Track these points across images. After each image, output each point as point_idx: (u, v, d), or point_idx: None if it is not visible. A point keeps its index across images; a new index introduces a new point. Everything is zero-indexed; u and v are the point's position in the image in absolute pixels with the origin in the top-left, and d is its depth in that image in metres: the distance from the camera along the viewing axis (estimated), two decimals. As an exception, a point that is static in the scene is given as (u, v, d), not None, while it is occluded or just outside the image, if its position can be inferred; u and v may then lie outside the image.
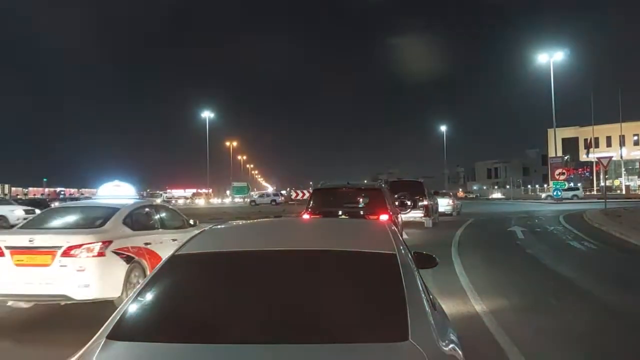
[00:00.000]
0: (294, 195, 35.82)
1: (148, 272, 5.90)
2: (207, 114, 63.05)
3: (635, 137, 63.33)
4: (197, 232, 2.90)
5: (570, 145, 66.19)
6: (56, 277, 5.63)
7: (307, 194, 35.72)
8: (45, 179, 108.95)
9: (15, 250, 5.80)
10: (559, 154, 60.17)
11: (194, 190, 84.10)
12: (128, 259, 6.12)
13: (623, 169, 59.89)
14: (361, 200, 9.40)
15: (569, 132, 65.48)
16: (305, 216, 8.98)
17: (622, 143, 54.93)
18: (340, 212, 8.79)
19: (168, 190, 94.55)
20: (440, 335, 1.86)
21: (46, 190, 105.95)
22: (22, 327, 5.68)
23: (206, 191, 75.94)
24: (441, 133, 72.02)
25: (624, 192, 55.34)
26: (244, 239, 2.84)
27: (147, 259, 6.42)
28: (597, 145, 58.77)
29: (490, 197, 68.30)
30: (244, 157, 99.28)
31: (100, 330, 1.85)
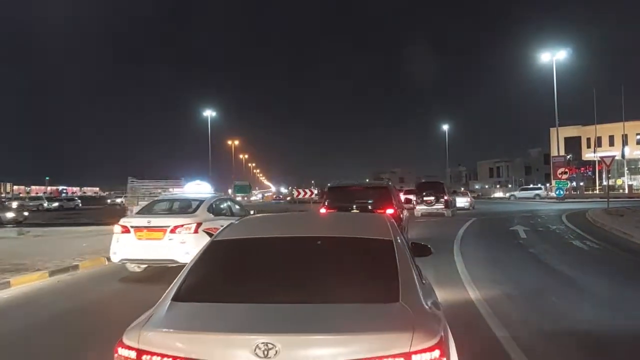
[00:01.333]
0: (295, 194, 35.57)
1: None
2: (209, 113, 62.87)
3: (638, 136, 63.05)
4: (233, 222, 3.67)
5: (572, 144, 65.91)
6: (166, 247, 8.08)
7: (309, 193, 35.53)
8: (47, 177, 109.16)
9: (137, 228, 8.31)
10: (562, 153, 59.94)
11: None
12: (211, 236, 8.43)
13: (626, 168, 59.66)
14: (370, 196, 10.39)
15: (571, 131, 65.20)
16: (322, 210, 10.19)
17: (625, 142, 54.62)
18: (352, 207, 9.77)
19: (170, 189, 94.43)
20: (425, 300, 2.45)
21: (48, 188, 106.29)
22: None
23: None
24: (443, 132, 71.96)
25: (626, 191, 55.15)
26: (266, 228, 3.54)
27: None
28: (599, 144, 58.51)
29: (492, 196, 68.24)
30: (246, 156, 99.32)
31: (165, 294, 2.53)
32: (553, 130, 72.59)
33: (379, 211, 8.84)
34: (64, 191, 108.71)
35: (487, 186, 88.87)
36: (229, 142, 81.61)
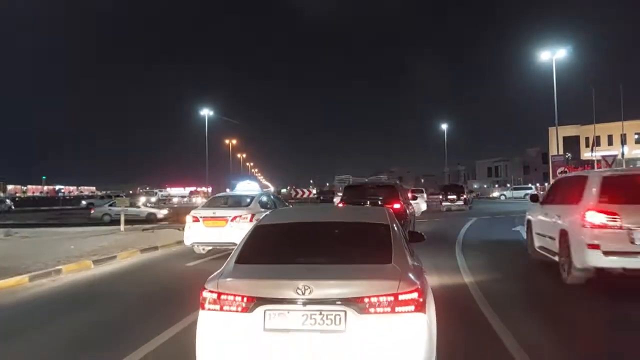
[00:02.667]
0: (293, 194, 35.27)
1: None
2: (206, 112, 62.43)
3: (637, 136, 62.96)
4: (268, 212, 5.56)
5: (571, 143, 65.78)
6: (228, 233, 10.25)
7: (307, 193, 35.33)
8: (44, 177, 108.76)
9: (205, 218, 10.74)
10: (560, 152, 59.55)
11: (193, 189, 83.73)
12: None
13: (624, 168, 59.40)
14: (380, 194, 12.24)
15: (570, 131, 65.09)
16: (340, 205, 12.16)
17: (623, 141, 54.37)
18: (365, 203, 11.56)
19: (168, 188, 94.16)
20: (410, 263, 3.54)
21: (45, 188, 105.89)
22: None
23: (204, 189, 75.60)
24: (442, 131, 71.53)
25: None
26: (295, 216, 4.73)
27: None
28: (598, 144, 58.28)
29: (491, 195, 68.01)
30: (244, 156, 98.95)
31: (228, 260, 3.63)
32: (552, 130, 72.36)
33: (387, 206, 9.28)
34: (61, 191, 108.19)
35: (485, 185, 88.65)
36: (227, 142, 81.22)
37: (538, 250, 9.01)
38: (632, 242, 6.52)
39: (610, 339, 5.01)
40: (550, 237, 8.23)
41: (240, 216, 10.61)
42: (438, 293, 4.09)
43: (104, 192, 78.68)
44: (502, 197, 53.53)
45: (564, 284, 7.24)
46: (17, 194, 76.66)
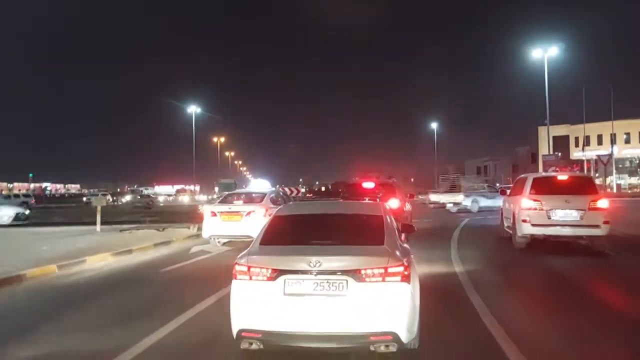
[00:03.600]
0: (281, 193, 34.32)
1: None
2: (193, 109, 61.28)
3: (626, 136, 63.02)
4: (282, 205, 7.18)
5: (560, 143, 65.74)
6: (243, 226, 11.25)
7: (296, 192, 34.44)
8: (31, 175, 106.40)
9: (222, 213, 11.73)
10: (550, 151, 59.52)
11: (179, 187, 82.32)
12: None
13: (614, 167, 59.55)
14: (379, 191, 12.43)
15: (559, 130, 65.00)
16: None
17: (613, 141, 54.39)
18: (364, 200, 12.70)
19: (156, 187, 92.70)
20: (399, 245, 4.49)
21: (32, 185, 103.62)
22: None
23: (191, 187, 74.33)
24: (430, 130, 71.25)
25: (615, 190, 54.90)
26: (306, 209, 5.79)
27: None
28: (588, 144, 58.23)
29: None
30: (232, 154, 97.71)
31: (254, 241, 4.65)
32: (541, 129, 72.25)
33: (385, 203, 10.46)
34: (48, 188, 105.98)
35: (475, 185, 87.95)
36: (215, 140, 79.98)
37: (505, 229, 12.71)
38: (549, 218, 10.47)
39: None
40: (508, 218, 12.14)
41: (254, 211, 11.47)
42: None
43: (90, 190, 77.26)
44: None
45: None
46: (3, 191, 74.69)
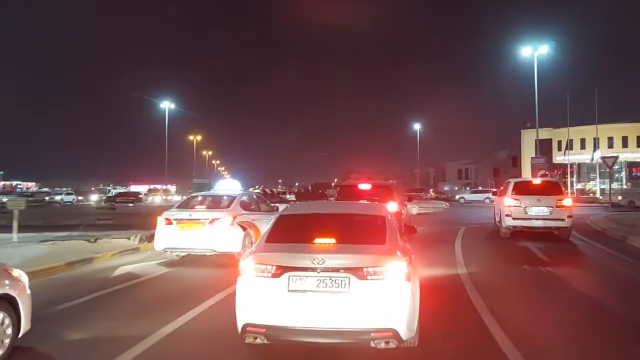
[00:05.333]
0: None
1: (254, 240, 9.12)
2: (166, 105, 58.20)
3: (609, 140, 62.30)
4: (288, 205, 7.14)
5: (543, 146, 64.59)
6: (205, 237, 9.29)
7: (270, 193, 31.81)
8: (1, 172, 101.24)
9: (180, 220, 9.54)
10: (532, 155, 58.54)
11: (151, 187, 78.68)
12: (243, 229, 9.50)
13: (598, 172, 58.71)
14: (376, 193, 12.04)
15: (542, 133, 63.34)
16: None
17: (597, 145, 53.42)
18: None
19: (132, 186, 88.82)
20: (401, 244, 4.63)
21: (1, 183, 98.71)
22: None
23: (164, 187, 71.09)
24: (411, 133, 69.72)
25: (598, 195, 53.95)
26: (310, 209, 6.01)
27: (253, 229, 9.72)
28: (571, 147, 57.26)
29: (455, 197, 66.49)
30: (209, 153, 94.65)
31: (260, 238, 4.87)
32: (524, 132, 71.74)
33: None
34: (19, 186, 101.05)
35: (456, 187, 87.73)
36: (191, 138, 76.84)
37: (496, 223, 15.25)
38: (526, 213, 13.27)
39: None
40: (497, 214, 15.06)
41: (219, 219, 9.36)
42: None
43: (55, 188, 73.22)
44: (462, 200, 51.97)
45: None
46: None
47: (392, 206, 10.62)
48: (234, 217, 9.53)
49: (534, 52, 34.77)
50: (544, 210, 13.18)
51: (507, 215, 13.56)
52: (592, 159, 53.00)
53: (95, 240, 11.92)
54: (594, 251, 12.05)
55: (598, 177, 59.43)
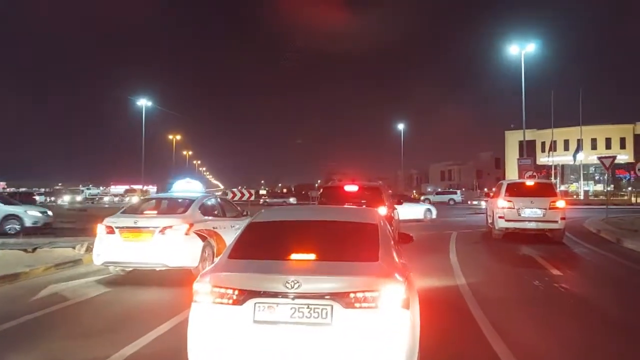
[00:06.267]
0: (230, 195, 29.73)
1: (216, 250, 8.16)
2: (143, 102, 56.11)
3: (592, 142, 62.22)
4: (262, 210, 5.10)
5: (527, 147, 64.25)
6: (154, 249, 7.65)
7: (247, 195, 29.90)
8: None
9: (123, 229, 7.82)
10: (516, 156, 58.22)
11: (127, 187, 76.18)
12: (203, 238, 8.04)
13: (581, 174, 58.48)
14: (363, 196, 10.88)
15: (526, 135, 63.01)
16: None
17: (580, 147, 53.10)
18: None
19: (112, 186, 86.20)
20: (397, 261, 3.77)
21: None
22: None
23: (141, 187, 68.81)
24: (395, 135, 68.80)
25: (582, 197, 53.63)
26: (287, 215, 4.94)
27: (215, 239, 8.39)
28: (555, 149, 56.94)
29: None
30: (190, 153, 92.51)
31: (222, 254, 3.87)
32: (508, 133, 71.55)
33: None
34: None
35: (439, 189, 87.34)
36: (170, 137, 74.68)
37: (489, 225, 15.14)
38: (519, 215, 13.25)
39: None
40: (490, 216, 14.93)
41: (172, 227, 7.77)
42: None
43: (32, 188, 70.41)
44: (427, 202, 51.63)
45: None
46: None
47: (381, 210, 9.47)
48: (191, 225, 7.94)
49: (521, 50, 33.91)
50: (537, 212, 13.08)
51: (500, 217, 13.49)
52: (575, 161, 52.74)
53: (34, 249, 10.18)
54: (598, 258, 11.13)
55: (582, 179, 59.12)
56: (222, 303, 3.31)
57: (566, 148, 61.54)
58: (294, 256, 3.66)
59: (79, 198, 61.66)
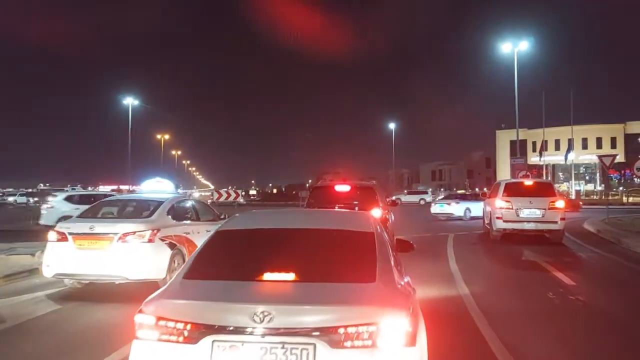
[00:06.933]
0: (216, 196, 28.75)
1: (187, 259, 6.48)
2: (129, 101, 54.96)
3: (583, 141, 62.07)
4: (236, 214, 4.34)
5: (519, 147, 64.09)
6: (112, 260, 6.62)
7: (234, 195, 28.96)
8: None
9: (77, 236, 6.78)
10: (507, 156, 58.00)
11: (114, 187, 74.76)
12: (171, 246, 7.11)
13: (572, 173, 58.26)
14: (355, 197, 10.20)
15: (516, 135, 63.28)
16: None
17: (571, 146, 52.79)
18: (336, 208, 9.36)
19: (100, 186, 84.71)
20: (398, 281, 2.99)
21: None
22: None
23: (129, 188, 67.48)
24: (386, 134, 68.18)
25: (573, 197, 53.34)
26: (264, 221, 4.03)
27: (187, 246, 7.42)
28: (545, 148, 56.64)
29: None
30: (179, 153, 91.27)
31: (177, 274, 3.08)
32: (499, 133, 71.27)
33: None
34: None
35: (430, 189, 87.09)
36: (158, 137, 73.39)
37: (486, 226, 15.04)
38: (518, 216, 12.89)
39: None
40: (487, 217, 14.89)
41: (134, 233, 6.80)
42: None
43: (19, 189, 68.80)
44: (398, 201, 51.12)
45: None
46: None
47: (376, 212, 8.67)
48: (156, 231, 6.94)
49: (514, 47, 33.31)
50: (536, 213, 12.80)
51: (497, 218, 13.15)
52: (566, 160, 52.46)
53: None
54: (609, 264, 10.40)
55: (573, 179, 58.88)
56: (170, 341, 2.60)
57: (557, 148, 61.32)
58: (267, 276, 2.93)
59: (55, 200, 60.06)
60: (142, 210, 7.81)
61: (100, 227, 6.90)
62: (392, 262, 3.22)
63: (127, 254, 6.67)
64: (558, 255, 10.81)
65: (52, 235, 7.00)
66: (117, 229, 6.82)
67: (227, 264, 3.20)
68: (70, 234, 6.84)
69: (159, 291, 2.92)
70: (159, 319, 2.62)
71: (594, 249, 12.18)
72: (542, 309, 6.33)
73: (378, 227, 3.64)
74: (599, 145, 61.48)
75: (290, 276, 2.90)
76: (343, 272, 2.98)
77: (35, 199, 57.98)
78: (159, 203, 7.71)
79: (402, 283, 3.07)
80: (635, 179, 53.11)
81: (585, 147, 61.35)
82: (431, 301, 6.25)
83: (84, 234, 6.81)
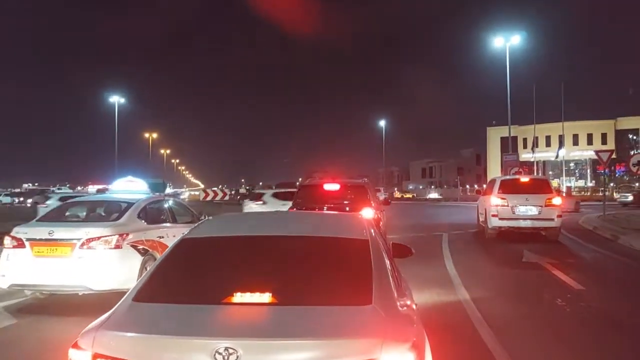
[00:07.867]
0: (203, 195, 28.00)
1: None
2: (116, 99, 53.86)
3: (574, 138, 62.16)
4: (209, 218, 4.05)
5: (508, 144, 64.12)
6: (75, 268, 5.93)
7: (221, 194, 28.11)
8: None
9: (35, 242, 6.08)
10: (498, 152, 58.00)
11: (99, 187, 73.57)
12: (143, 252, 6.49)
13: (564, 169, 58.31)
14: (346, 196, 9.77)
15: (507, 131, 63.25)
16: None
17: (562, 143, 52.79)
18: (325, 208, 8.98)
19: (90, 186, 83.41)
20: (399, 302, 2.43)
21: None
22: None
23: (99, 187, 66.21)
24: (375, 132, 67.88)
25: (564, 193, 53.33)
26: (240, 227, 3.37)
27: (160, 252, 6.32)
28: (537, 145, 56.62)
29: (427, 197, 65.21)
30: (168, 152, 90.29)
31: (126, 295, 2.46)
32: (490, 130, 71.32)
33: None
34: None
35: (420, 187, 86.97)
36: (147, 135, 72.40)
37: (480, 223, 14.66)
38: (513, 213, 12.61)
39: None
40: (482, 214, 14.34)
41: (99, 238, 6.07)
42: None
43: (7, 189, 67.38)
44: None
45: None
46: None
47: (368, 213, 8.06)
48: (124, 235, 6.27)
49: (506, 42, 33.03)
50: (532, 210, 12.56)
51: (493, 216, 12.83)
52: (557, 157, 52.46)
53: None
54: (617, 264, 9.94)
55: (564, 175, 58.96)
56: None
57: (548, 144, 61.38)
58: (238, 297, 2.32)
59: (50, 201, 58.91)
60: (110, 212, 7.14)
61: (60, 232, 6.19)
62: (391, 277, 2.67)
63: (91, 261, 5.99)
64: (560, 255, 10.30)
65: (7, 241, 6.31)
66: (80, 234, 6.11)
67: (189, 281, 2.63)
68: (27, 239, 6.14)
69: (102, 317, 2.36)
70: (97, 356, 2.08)
71: (595, 247, 11.75)
72: (553, 318, 5.79)
73: (373, 231, 3.09)
74: (589, 141, 61.69)
75: (266, 297, 2.32)
76: (332, 291, 2.42)
77: (21, 198, 56.80)
78: (129, 204, 7.00)
79: (404, 305, 2.52)
80: (625, 176, 53.75)
81: (576, 143, 61.51)
82: (430, 310, 5.78)
83: (43, 239, 6.11)
